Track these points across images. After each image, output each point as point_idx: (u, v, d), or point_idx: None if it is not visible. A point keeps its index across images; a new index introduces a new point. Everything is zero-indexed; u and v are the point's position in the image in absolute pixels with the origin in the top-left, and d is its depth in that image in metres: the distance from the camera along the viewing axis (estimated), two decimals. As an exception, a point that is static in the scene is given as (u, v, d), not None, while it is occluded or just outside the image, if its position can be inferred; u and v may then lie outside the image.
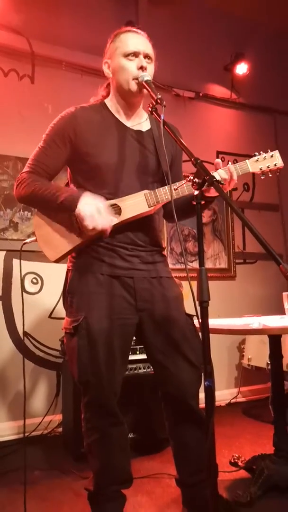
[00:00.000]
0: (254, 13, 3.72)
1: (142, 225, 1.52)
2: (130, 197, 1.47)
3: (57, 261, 1.53)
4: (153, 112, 1.37)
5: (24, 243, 1.66)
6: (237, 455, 2.16)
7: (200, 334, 1.16)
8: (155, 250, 1.59)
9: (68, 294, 1.55)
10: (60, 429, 2.72)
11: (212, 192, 1.44)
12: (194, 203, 1.19)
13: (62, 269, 1.67)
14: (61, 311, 2.96)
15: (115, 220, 1.44)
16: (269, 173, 1.53)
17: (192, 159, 1.19)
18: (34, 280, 2.92)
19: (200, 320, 1.14)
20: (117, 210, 1.47)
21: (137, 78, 1.47)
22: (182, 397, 1.54)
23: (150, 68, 1.52)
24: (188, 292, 1.20)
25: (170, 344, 1.54)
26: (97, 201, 1.43)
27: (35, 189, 1.47)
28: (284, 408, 1.94)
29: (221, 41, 3.77)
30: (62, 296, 1.61)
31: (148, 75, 1.46)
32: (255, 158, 1.52)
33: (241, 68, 3.78)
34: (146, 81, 1.44)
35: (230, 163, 1.51)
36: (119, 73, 1.50)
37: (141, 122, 1.61)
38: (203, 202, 1.22)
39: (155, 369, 1.59)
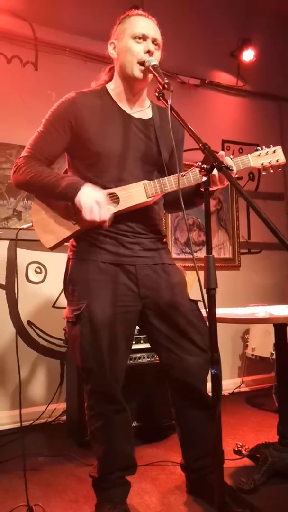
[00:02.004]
0: (261, -2, 3.66)
1: (142, 214, 1.51)
2: (129, 186, 1.45)
3: (53, 248, 1.51)
4: (160, 98, 1.34)
5: (20, 229, 1.64)
6: (240, 444, 2.17)
7: (206, 321, 1.15)
8: (156, 237, 1.58)
9: (69, 282, 1.55)
10: (64, 417, 2.74)
11: (214, 185, 1.43)
12: (202, 189, 1.17)
13: (65, 258, 1.66)
14: (64, 300, 2.92)
15: (112, 209, 1.42)
16: (270, 168, 1.50)
17: (200, 144, 1.17)
18: (38, 270, 2.92)
19: (207, 309, 1.13)
20: (115, 199, 1.45)
21: (142, 63, 1.44)
22: (190, 381, 1.54)
23: (157, 54, 1.49)
24: (192, 281, 1.19)
25: (175, 329, 1.54)
26: (97, 192, 1.40)
27: (34, 175, 1.45)
28: (288, 397, 1.94)
29: (227, 26, 3.70)
30: (63, 285, 1.60)
31: (155, 59, 1.44)
32: (257, 152, 1.50)
33: (248, 55, 3.71)
34: (153, 66, 1.41)
35: (231, 156, 1.49)
36: (125, 54, 1.47)
37: (143, 109, 1.58)
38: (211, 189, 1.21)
39: (161, 355, 1.59)
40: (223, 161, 1.34)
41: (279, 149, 1.50)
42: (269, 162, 1.49)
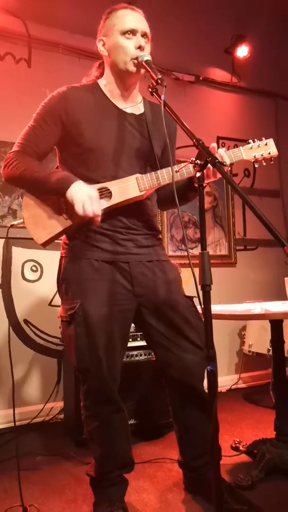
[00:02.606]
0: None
1: (135, 209, 1.49)
2: (121, 180, 1.43)
3: (45, 244, 1.49)
4: (154, 93, 1.33)
5: (12, 225, 1.62)
6: (238, 440, 2.17)
7: (202, 318, 1.14)
8: (150, 233, 1.56)
9: (63, 281, 1.52)
10: (62, 416, 2.73)
11: (207, 178, 1.42)
12: (196, 185, 1.16)
13: (61, 256, 1.64)
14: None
15: (104, 203, 1.41)
16: (263, 161, 1.51)
17: (194, 140, 1.17)
18: (34, 268, 2.90)
19: (202, 305, 1.12)
20: (107, 194, 1.43)
21: (135, 58, 1.43)
22: (187, 380, 1.53)
23: (147, 48, 1.47)
24: (188, 278, 1.18)
25: (172, 327, 1.53)
26: (89, 187, 1.39)
27: (24, 170, 1.43)
28: (285, 393, 1.94)
29: (221, 22, 3.69)
30: (57, 284, 1.58)
31: (147, 54, 1.42)
32: (249, 145, 1.50)
33: (242, 51, 3.70)
34: (146, 61, 1.40)
35: (224, 149, 1.48)
36: (116, 52, 1.46)
37: (135, 104, 1.56)
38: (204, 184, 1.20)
39: (158, 353, 1.58)
40: (215, 154, 1.33)
41: (271, 141, 1.51)
42: (261, 155, 1.49)
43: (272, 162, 1.53)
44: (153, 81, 1.32)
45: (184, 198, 1.53)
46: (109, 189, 1.43)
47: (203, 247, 1.12)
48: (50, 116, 1.47)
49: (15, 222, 1.60)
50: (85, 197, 1.35)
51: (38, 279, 2.91)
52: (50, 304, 2.92)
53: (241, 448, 2.11)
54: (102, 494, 1.55)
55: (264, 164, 1.52)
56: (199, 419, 1.55)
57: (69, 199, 1.37)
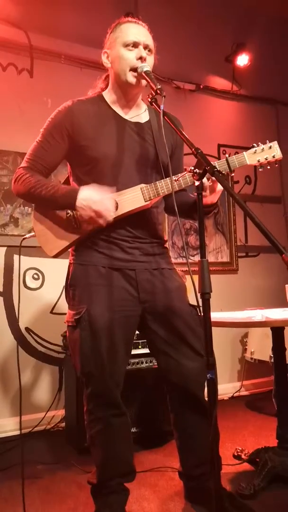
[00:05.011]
0: (256, 2, 3.67)
1: (141, 218, 1.52)
2: (126, 191, 1.46)
3: (56, 256, 1.54)
4: (153, 103, 1.35)
5: (24, 238, 1.66)
6: (240, 448, 2.16)
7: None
8: (155, 242, 1.59)
9: (70, 287, 1.56)
10: (63, 424, 2.72)
11: (210, 198, 1.45)
12: (195, 193, 1.17)
13: (63, 264, 1.66)
14: (62, 306, 2.95)
15: (112, 215, 1.44)
16: (267, 165, 1.48)
17: (193, 149, 1.18)
18: (35, 276, 2.91)
19: (201, 313, 1.13)
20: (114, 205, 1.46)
21: (135, 69, 1.45)
22: (188, 387, 1.54)
23: (150, 60, 1.50)
24: (191, 286, 1.19)
25: (174, 334, 1.54)
26: (92, 192, 1.43)
27: (31, 187, 1.48)
28: (287, 400, 1.93)
29: (221, 31, 3.73)
30: (64, 290, 1.62)
31: (147, 65, 1.45)
32: (253, 150, 1.47)
33: (242, 59, 3.73)
34: (146, 72, 1.42)
35: (227, 155, 1.48)
36: (118, 63, 1.49)
37: (139, 113, 1.59)
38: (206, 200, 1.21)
39: (160, 360, 1.59)
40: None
41: (275, 144, 1.48)
42: (266, 159, 1.46)
43: (276, 165, 1.50)
44: (152, 91, 1.34)
45: (190, 216, 1.62)
46: (115, 201, 1.45)
47: (203, 255, 1.13)
48: (57, 131, 1.51)
49: (27, 235, 1.67)
50: (93, 207, 1.40)
51: (40, 287, 2.92)
52: (51, 312, 2.93)
53: (243, 456, 2.09)
54: (103, 502, 1.54)
55: (269, 167, 1.49)
56: (199, 427, 1.55)
57: (80, 210, 1.42)
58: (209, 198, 1.48)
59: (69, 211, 1.48)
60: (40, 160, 1.53)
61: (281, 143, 1.53)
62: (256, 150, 1.47)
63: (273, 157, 1.47)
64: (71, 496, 1.85)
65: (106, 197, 1.42)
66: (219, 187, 1.45)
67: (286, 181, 3.96)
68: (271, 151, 1.47)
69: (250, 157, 1.47)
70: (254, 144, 1.49)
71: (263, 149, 1.47)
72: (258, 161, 1.47)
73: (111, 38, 1.53)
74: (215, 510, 1.09)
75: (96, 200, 1.41)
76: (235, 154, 1.49)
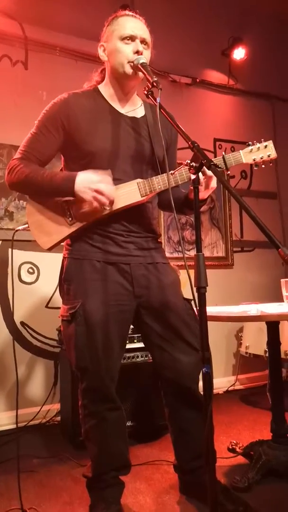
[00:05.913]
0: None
1: (136, 213, 1.51)
2: (122, 186, 1.45)
3: (51, 249, 1.52)
4: (149, 96, 1.34)
5: (16, 231, 1.64)
6: (235, 442, 2.17)
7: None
8: (150, 236, 1.58)
9: (65, 281, 1.55)
10: (58, 418, 2.72)
11: (202, 194, 1.45)
12: (191, 187, 1.17)
13: (58, 258, 1.65)
14: (57, 300, 2.94)
15: (107, 210, 1.43)
16: (262, 164, 1.51)
17: (189, 142, 1.17)
18: (31, 270, 2.90)
19: (197, 307, 1.13)
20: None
21: (132, 61, 1.44)
22: (182, 381, 1.54)
23: (146, 54, 1.49)
24: (185, 280, 1.19)
25: (168, 328, 1.54)
26: (92, 175, 1.42)
27: (27, 175, 1.45)
28: (281, 394, 1.94)
29: (218, 25, 3.70)
30: (58, 284, 1.60)
31: (144, 58, 1.44)
32: (249, 148, 1.50)
33: (239, 53, 3.71)
34: (142, 64, 1.41)
35: (224, 153, 1.49)
36: (114, 56, 1.47)
37: (135, 108, 1.58)
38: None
39: (154, 354, 1.59)
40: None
41: (270, 144, 1.51)
42: (261, 158, 1.50)
43: (271, 165, 1.53)
44: (148, 84, 1.32)
45: (181, 211, 1.60)
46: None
47: (199, 249, 1.13)
48: (51, 123, 1.49)
49: (20, 228, 1.62)
50: (94, 187, 1.39)
51: (35, 281, 2.91)
52: (47, 306, 2.92)
53: (237, 450, 2.11)
54: (98, 496, 1.55)
55: (264, 166, 1.52)
56: (194, 421, 1.56)
57: (78, 194, 1.40)
58: (201, 194, 1.47)
59: (64, 204, 1.46)
60: (34, 152, 1.50)
61: (276, 138, 1.54)
62: (252, 149, 1.50)
63: (268, 156, 1.50)
64: (67, 490, 1.85)
65: (104, 176, 1.41)
66: (213, 184, 1.45)
67: (282, 177, 3.96)
68: (266, 150, 1.50)
69: (246, 156, 1.50)
70: (250, 143, 1.51)
71: (258, 148, 1.50)
72: (254, 160, 1.50)
73: (107, 31, 1.51)
74: (210, 502, 1.09)
75: (95, 180, 1.40)
76: (231, 149, 1.50)
